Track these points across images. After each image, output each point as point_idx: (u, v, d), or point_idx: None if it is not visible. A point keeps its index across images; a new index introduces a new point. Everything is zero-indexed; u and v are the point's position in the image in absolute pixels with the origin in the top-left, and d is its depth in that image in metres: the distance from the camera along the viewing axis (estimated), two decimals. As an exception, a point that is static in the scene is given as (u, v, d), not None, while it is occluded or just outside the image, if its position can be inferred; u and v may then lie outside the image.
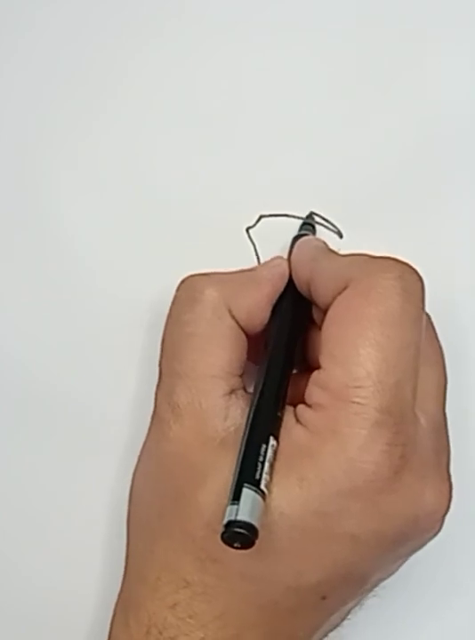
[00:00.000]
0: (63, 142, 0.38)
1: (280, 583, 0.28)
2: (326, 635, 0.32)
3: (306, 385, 0.30)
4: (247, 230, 0.37)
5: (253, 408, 0.30)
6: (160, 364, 0.32)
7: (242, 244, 0.37)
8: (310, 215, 0.37)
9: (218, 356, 0.31)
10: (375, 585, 0.31)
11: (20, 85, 0.38)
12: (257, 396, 0.30)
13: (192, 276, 0.32)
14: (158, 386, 0.32)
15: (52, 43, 0.38)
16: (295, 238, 0.36)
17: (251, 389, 0.32)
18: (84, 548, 0.36)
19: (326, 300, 0.31)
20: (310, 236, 0.36)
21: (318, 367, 0.30)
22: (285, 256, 0.35)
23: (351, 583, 0.30)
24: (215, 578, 0.28)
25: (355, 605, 0.32)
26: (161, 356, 0.32)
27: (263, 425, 0.29)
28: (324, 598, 0.29)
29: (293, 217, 0.37)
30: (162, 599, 0.29)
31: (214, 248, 0.37)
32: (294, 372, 0.33)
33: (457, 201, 0.38)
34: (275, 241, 0.37)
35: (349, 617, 0.32)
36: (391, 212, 0.37)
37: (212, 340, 0.31)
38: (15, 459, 0.37)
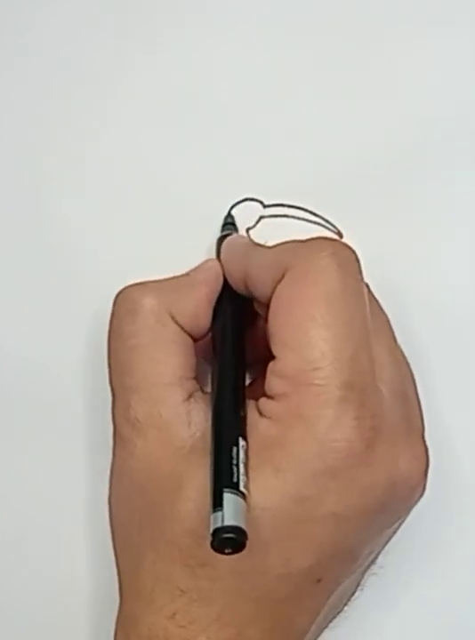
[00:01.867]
0: (63, 142, 0.38)
1: (271, 573, 0.28)
2: (330, 621, 0.32)
3: (261, 377, 0.30)
4: (247, 231, 0.37)
5: (215, 413, 0.29)
6: (111, 383, 0.31)
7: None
8: (230, 214, 0.37)
9: (168, 362, 0.31)
10: (368, 559, 0.31)
11: (21, 85, 0.38)
12: (215, 399, 0.30)
13: (127, 287, 0.32)
14: (113, 404, 0.31)
15: (52, 42, 0.38)
16: (220, 239, 0.35)
17: (208, 389, 0.32)
18: (80, 547, 0.36)
19: (266, 291, 0.31)
20: (235, 235, 0.36)
21: (270, 358, 0.30)
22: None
23: (342, 561, 0.29)
24: (208, 581, 0.28)
25: (354, 587, 0.32)
26: (110, 374, 0.32)
27: (229, 428, 0.29)
28: (318, 581, 0.29)
29: (293, 217, 0.37)
30: (159, 610, 0.28)
31: (213, 249, 0.37)
32: (248, 367, 0.32)
33: (457, 200, 0.38)
34: (274, 241, 0.37)
35: (352, 599, 0.32)
36: (390, 210, 0.37)
37: (158, 348, 0.31)
38: (12, 458, 0.37)
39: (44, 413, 0.36)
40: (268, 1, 0.38)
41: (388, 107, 0.38)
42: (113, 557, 0.32)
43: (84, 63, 0.38)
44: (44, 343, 0.37)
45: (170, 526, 0.29)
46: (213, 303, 0.33)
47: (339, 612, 0.32)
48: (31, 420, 0.37)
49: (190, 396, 0.30)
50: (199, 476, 0.28)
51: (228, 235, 0.36)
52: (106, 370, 0.36)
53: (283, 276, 0.30)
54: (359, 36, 0.38)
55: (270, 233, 0.37)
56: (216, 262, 0.34)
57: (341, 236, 0.37)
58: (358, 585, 0.32)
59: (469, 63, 0.38)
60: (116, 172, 0.38)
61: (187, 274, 0.33)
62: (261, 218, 0.37)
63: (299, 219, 0.37)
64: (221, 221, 0.37)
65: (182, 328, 0.31)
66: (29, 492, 0.36)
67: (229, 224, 0.36)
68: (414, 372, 0.32)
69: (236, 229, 0.36)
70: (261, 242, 0.37)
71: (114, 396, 0.31)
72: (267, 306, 0.30)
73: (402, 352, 0.32)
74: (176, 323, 0.31)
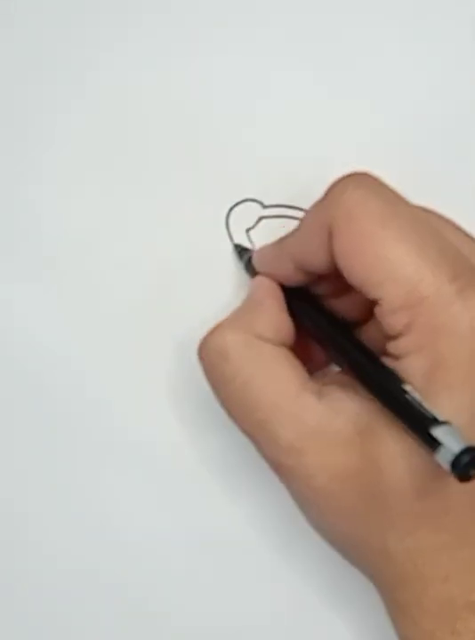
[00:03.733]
0: (60, 140, 0.38)
1: None
2: None
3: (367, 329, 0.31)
4: (247, 231, 0.37)
5: (368, 382, 0.29)
6: (242, 428, 0.31)
7: (241, 244, 0.37)
8: (236, 245, 0.37)
9: (282, 377, 0.30)
10: None
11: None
12: (358, 367, 0.30)
13: (204, 338, 0.32)
14: (257, 446, 0.30)
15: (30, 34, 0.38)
16: (247, 263, 0.35)
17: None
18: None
19: (323, 260, 0.30)
20: (258, 248, 0.35)
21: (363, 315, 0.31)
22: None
23: None
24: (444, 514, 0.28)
25: None
26: (236, 421, 0.31)
27: (391, 382, 0.28)
28: None
29: (293, 218, 0.37)
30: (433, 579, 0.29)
31: (213, 248, 0.37)
32: None
33: (458, 200, 0.37)
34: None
35: None
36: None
37: (267, 370, 0.30)
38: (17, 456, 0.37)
39: (46, 411, 0.37)
40: (270, 5, 0.38)
41: (388, 107, 0.38)
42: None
43: (83, 62, 0.38)
44: (41, 340, 0.37)
45: (397, 502, 0.28)
46: (285, 309, 0.32)
47: None
48: (35, 418, 0.37)
49: (320, 393, 0.30)
50: (389, 445, 0.28)
51: (249, 257, 0.35)
52: (105, 368, 0.36)
53: (330, 234, 0.30)
54: (359, 36, 0.38)
55: (270, 233, 0.37)
56: (263, 277, 0.34)
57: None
58: None
59: (469, 63, 0.38)
60: (115, 172, 0.38)
61: (246, 299, 0.33)
62: (261, 218, 0.37)
63: (299, 219, 0.37)
64: (221, 222, 0.37)
65: (273, 342, 0.31)
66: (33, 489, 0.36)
67: (242, 251, 0.36)
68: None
69: (248, 250, 0.36)
70: (261, 242, 0.37)
71: (252, 436, 0.31)
72: (329, 272, 0.30)
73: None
74: (266, 341, 0.31)
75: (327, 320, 0.32)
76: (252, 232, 0.37)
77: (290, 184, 0.37)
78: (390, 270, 0.28)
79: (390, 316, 0.29)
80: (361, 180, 0.30)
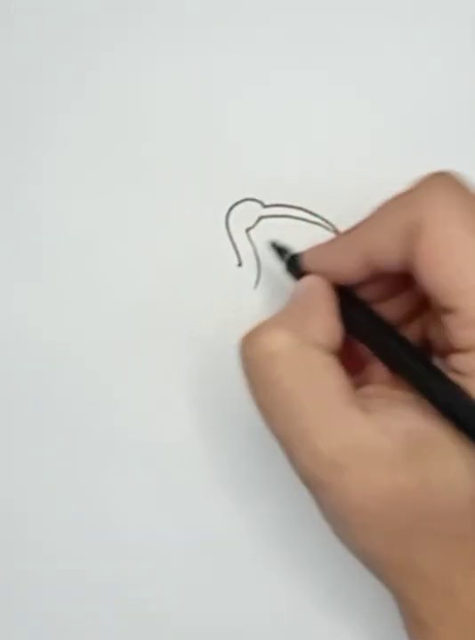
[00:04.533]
0: (58, 139, 0.38)
1: None
2: None
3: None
4: (247, 231, 0.37)
5: (429, 391, 0.28)
6: (279, 436, 0.29)
7: (242, 244, 0.37)
8: (273, 244, 0.35)
9: (331, 388, 0.29)
10: None
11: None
12: (417, 382, 0.29)
13: (249, 334, 0.30)
14: (293, 457, 0.29)
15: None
16: (290, 261, 0.34)
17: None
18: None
19: (398, 257, 0.29)
20: (309, 247, 0.33)
21: (409, 318, 0.30)
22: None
23: None
24: None
25: None
26: (274, 427, 0.29)
27: (458, 394, 0.28)
28: None
29: (293, 217, 0.37)
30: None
31: (213, 248, 0.37)
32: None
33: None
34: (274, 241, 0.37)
35: None
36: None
37: (315, 379, 0.29)
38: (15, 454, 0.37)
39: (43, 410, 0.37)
40: (270, 5, 0.38)
41: (388, 107, 0.38)
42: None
43: (83, 62, 0.38)
44: (39, 340, 0.37)
45: (445, 523, 0.28)
46: (337, 313, 0.31)
47: None
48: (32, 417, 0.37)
49: (367, 407, 0.29)
50: (447, 467, 0.28)
51: (293, 256, 0.34)
52: (104, 368, 0.36)
53: (414, 234, 0.29)
54: (359, 36, 0.38)
55: (270, 233, 0.37)
56: (316, 278, 0.32)
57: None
58: None
59: (469, 63, 0.38)
60: (115, 172, 0.38)
61: (295, 300, 0.32)
62: (261, 218, 0.37)
63: (299, 219, 0.37)
64: (221, 222, 0.37)
65: (324, 349, 0.30)
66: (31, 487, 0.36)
67: (280, 249, 0.35)
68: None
69: (287, 249, 0.35)
70: (261, 242, 0.37)
71: (289, 446, 0.29)
72: (398, 271, 0.30)
73: None
74: (316, 348, 0.29)
75: (384, 328, 0.31)
76: (252, 232, 0.37)
77: (290, 184, 0.37)
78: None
79: (465, 329, 0.28)
80: (450, 181, 0.29)
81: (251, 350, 0.30)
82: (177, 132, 0.38)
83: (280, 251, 0.35)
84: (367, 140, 0.37)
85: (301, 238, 0.37)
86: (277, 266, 0.37)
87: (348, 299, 0.32)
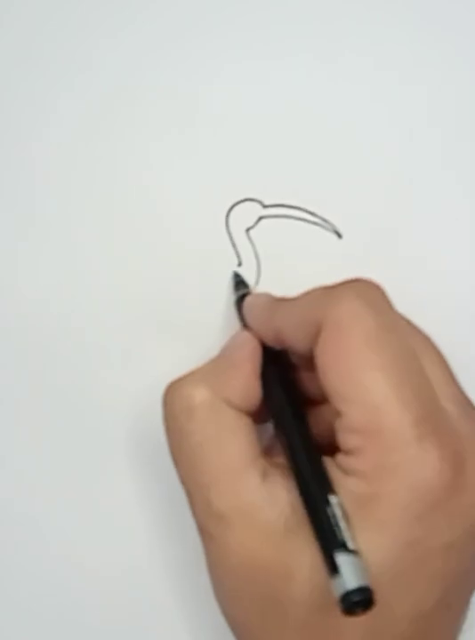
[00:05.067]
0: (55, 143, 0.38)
1: (404, 620, 0.28)
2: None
3: (318, 421, 0.31)
4: (247, 231, 0.37)
5: (299, 481, 0.29)
6: (182, 481, 0.31)
7: (242, 244, 0.37)
8: (236, 274, 0.36)
9: (236, 449, 0.30)
10: None
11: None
12: (294, 467, 0.29)
13: (174, 383, 0.32)
14: (192, 504, 0.31)
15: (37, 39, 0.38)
16: (238, 300, 0.35)
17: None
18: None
19: (304, 348, 0.31)
20: (252, 296, 0.35)
21: (321, 401, 0.30)
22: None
23: (466, 580, 0.30)
24: None
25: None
26: (180, 473, 0.31)
27: (317, 489, 0.28)
28: (449, 607, 0.29)
29: (293, 217, 0.37)
30: None
31: (213, 248, 0.37)
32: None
33: (459, 200, 0.38)
34: (274, 241, 0.37)
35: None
36: (391, 210, 0.37)
37: (223, 439, 0.30)
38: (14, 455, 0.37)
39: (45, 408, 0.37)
40: (270, 5, 0.38)
41: (389, 106, 0.38)
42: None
43: (81, 62, 0.38)
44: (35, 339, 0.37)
45: (294, 610, 0.28)
46: (259, 374, 0.32)
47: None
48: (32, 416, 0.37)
49: (265, 474, 0.30)
50: (305, 553, 0.28)
51: (243, 295, 0.35)
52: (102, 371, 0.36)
53: (318, 331, 0.30)
54: (359, 36, 0.38)
55: (270, 233, 0.37)
56: (248, 335, 0.33)
57: (340, 236, 0.37)
58: None
59: (469, 63, 0.38)
60: (114, 172, 0.38)
61: (225, 353, 0.33)
62: (261, 218, 0.37)
63: (299, 219, 0.37)
64: (222, 221, 0.37)
65: (239, 409, 0.31)
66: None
67: (239, 283, 0.36)
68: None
69: (246, 285, 0.36)
70: (261, 242, 0.37)
71: (190, 494, 0.31)
72: (306, 358, 0.30)
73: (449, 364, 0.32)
74: (232, 407, 0.31)
75: (288, 397, 0.32)
76: (252, 232, 0.37)
77: (290, 184, 0.37)
78: (362, 392, 0.28)
79: (347, 434, 0.29)
80: (365, 291, 0.30)
81: (172, 400, 0.31)
82: (177, 131, 0.38)
83: (238, 284, 0.36)
84: (368, 140, 0.38)
85: (301, 238, 0.37)
86: (277, 266, 0.37)
87: (274, 359, 0.33)
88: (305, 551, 0.28)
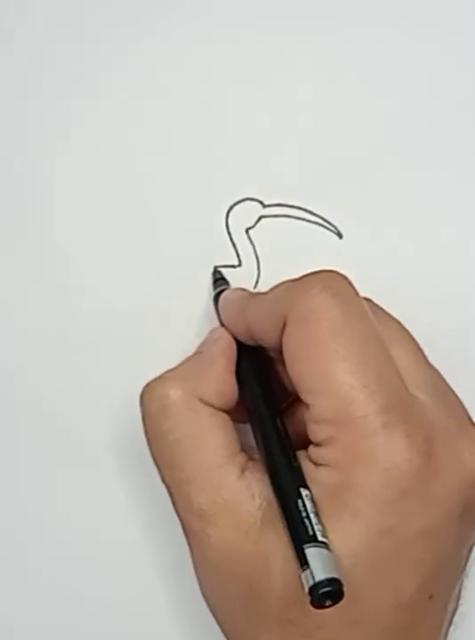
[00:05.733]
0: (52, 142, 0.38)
1: (386, 610, 0.28)
2: (451, 623, 0.32)
3: (296, 415, 0.31)
4: (247, 231, 0.37)
5: (271, 474, 0.29)
6: (163, 480, 0.32)
7: (242, 244, 0.37)
8: (216, 270, 0.37)
9: (213, 446, 0.31)
10: (471, 551, 0.31)
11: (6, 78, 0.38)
12: (266, 460, 0.30)
13: (149, 384, 0.32)
14: (173, 502, 0.31)
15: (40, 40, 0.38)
16: (215, 297, 0.35)
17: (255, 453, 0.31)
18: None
19: (273, 341, 0.31)
20: (227, 291, 0.35)
21: (297, 397, 0.30)
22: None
23: (447, 569, 0.30)
24: None
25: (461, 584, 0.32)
26: (161, 472, 0.32)
27: (288, 484, 0.28)
28: (431, 597, 0.29)
29: (293, 217, 0.37)
30: None
31: (212, 250, 0.37)
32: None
33: (460, 200, 0.38)
34: (274, 241, 0.37)
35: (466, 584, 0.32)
36: (391, 210, 0.37)
37: (200, 435, 0.31)
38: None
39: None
40: (271, 5, 0.38)
41: (390, 106, 0.38)
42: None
43: (80, 62, 0.38)
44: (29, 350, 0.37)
45: (274, 604, 0.28)
46: (234, 370, 0.32)
47: (455, 611, 0.32)
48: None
49: (244, 469, 0.30)
50: (280, 547, 0.28)
51: (221, 291, 0.35)
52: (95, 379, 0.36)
53: (285, 324, 0.30)
54: (359, 34, 0.38)
55: (270, 233, 0.37)
56: (223, 331, 0.34)
57: (340, 236, 0.37)
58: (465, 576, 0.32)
59: (469, 63, 0.38)
60: (114, 172, 0.37)
61: (200, 351, 0.33)
62: (261, 218, 0.37)
63: (299, 219, 0.37)
64: (222, 221, 0.37)
65: (214, 407, 0.31)
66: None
67: (219, 280, 0.36)
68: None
69: (226, 282, 0.36)
70: (261, 242, 0.37)
71: (171, 492, 0.31)
72: (279, 352, 0.30)
73: (423, 351, 0.32)
74: (207, 404, 0.31)
75: (262, 393, 0.32)
76: (252, 232, 0.37)
77: (290, 184, 0.37)
78: (328, 383, 0.29)
79: (316, 425, 0.29)
80: (329, 282, 0.30)
81: (148, 400, 0.32)
82: (177, 131, 0.38)
83: (217, 280, 0.36)
84: (368, 140, 0.38)
85: (301, 238, 0.37)
86: (277, 266, 0.37)
87: (249, 355, 0.33)
88: (280, 545, 0.28)
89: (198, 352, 0.34)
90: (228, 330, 0.34)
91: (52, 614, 0.36)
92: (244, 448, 0.31)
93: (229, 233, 0.37)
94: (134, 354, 0.37)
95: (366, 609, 0.28)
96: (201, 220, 0.37)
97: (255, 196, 0.37)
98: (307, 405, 0.29)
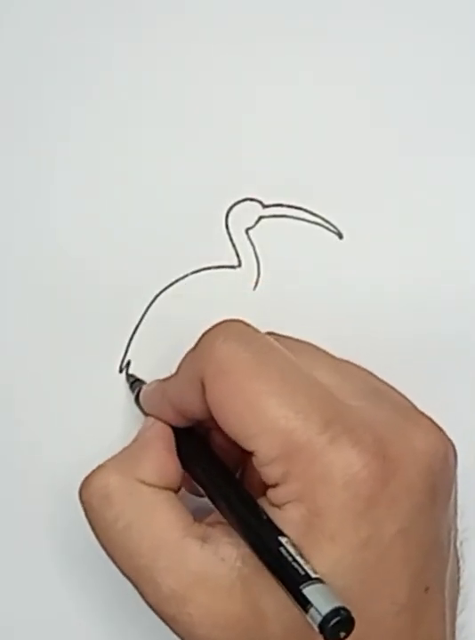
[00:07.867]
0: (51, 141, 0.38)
1: (387, 617, 0.28)
2: (456, 607, 0.32)
3: (248, 470, 0.31)
4: (247, 231, 0.37)
5: (244, 535, 0.29)
6: (124, 573, 0.30)
7: (242, 244, 0.37)
8: (128, 374, 0.37)
9: (166, 523, 0.30)
10: (452, 535, 0.31)
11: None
12: (235, 523, 0.29)
13: (87, 478, 0.31)
14: (141, 593, 0.30)
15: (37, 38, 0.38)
16: (136, 398, 0.35)
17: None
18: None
19: (201, 407, 0.30)
20: (144, 386, 0.35)
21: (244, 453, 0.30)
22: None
23: (433, 557, 0.30)
24: None
25: (456, 565, 0.32)
26: (118, 565, 0.30)
27: (266, 537, 0.28)
28: (427, 589, 0.29)
29: (293, 217, 0.37)
30: None
31: (213, 250, 0.37)
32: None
33: (461, 199, 0.38)
34: (274, 241, 0.37)
35: (462, 574, 0.32)
36: (391, 210, 0.38)
37: (149, 515, 0.30)
38: None
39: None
40: (271, 5, 0.38)
41: (390, 105, 0.38)
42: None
43: (79, 63, 0.38)
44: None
45: None
46: (174, 449, 0.32)
47: (459, 590, 0.32)
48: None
49: (205, 537, 0.30)
50: (269, 593, 0.28)
51: (139, 390, 0.35)
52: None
53: (203, 386, 0.30)
54: (360, 34, 0.38)
55: (270, 233, 0.37)
56: (154, 419, 0.33)
57: (340, 236, 0.37)
58: (458, 559, 0.32)
59: (467, 60, 0.38)
60: (114, 172, 0.38)
61: (135, 441, 0.33)
62: (261, 218, 0.37)
63: (299, 219, 0.37)
64: (222, 221, 0.37)
65: (157, 486, 0.31)
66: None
67: (135, 382, 0.36)
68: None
69: (141, 381, 0.36)
70: (261, 242, 0.37)
71: (135, 583, 0.30)
72: (211, 418, 0.30)
73: (340, 359, 0.33)
74: (148, 485, 0.31)
75: (210, 464, 0.32)
76: (252, 232, 0.37)
77: (290, 184, 0.37)
78: (262, 423, 0.28)
79: (267, 467, 0.29)
80: (231, 330, 0.30)
81: (87, 494, 0.31)
82: (177, 131, 0.38)
83: (133, 384, 0.36)
84: (367, 140, 0.38)
85: (301, 238, 0.37)
86: (277, 266, 0.37)
87: (187, 438, 0.33)
88: (268, 592, 0.28)
89: (133, 440, 0.33)
90: (158, 419, 0.33)
91: (52, 614, 0.36)
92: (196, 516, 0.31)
93: (228, 233, 0.37)
94: (135, 354, 0.37)
95: (370, 624, 0.28)
96: (201, 220, 0.37)
97: (255, 196, 0.37)
98: (252, 453, 0.29)
